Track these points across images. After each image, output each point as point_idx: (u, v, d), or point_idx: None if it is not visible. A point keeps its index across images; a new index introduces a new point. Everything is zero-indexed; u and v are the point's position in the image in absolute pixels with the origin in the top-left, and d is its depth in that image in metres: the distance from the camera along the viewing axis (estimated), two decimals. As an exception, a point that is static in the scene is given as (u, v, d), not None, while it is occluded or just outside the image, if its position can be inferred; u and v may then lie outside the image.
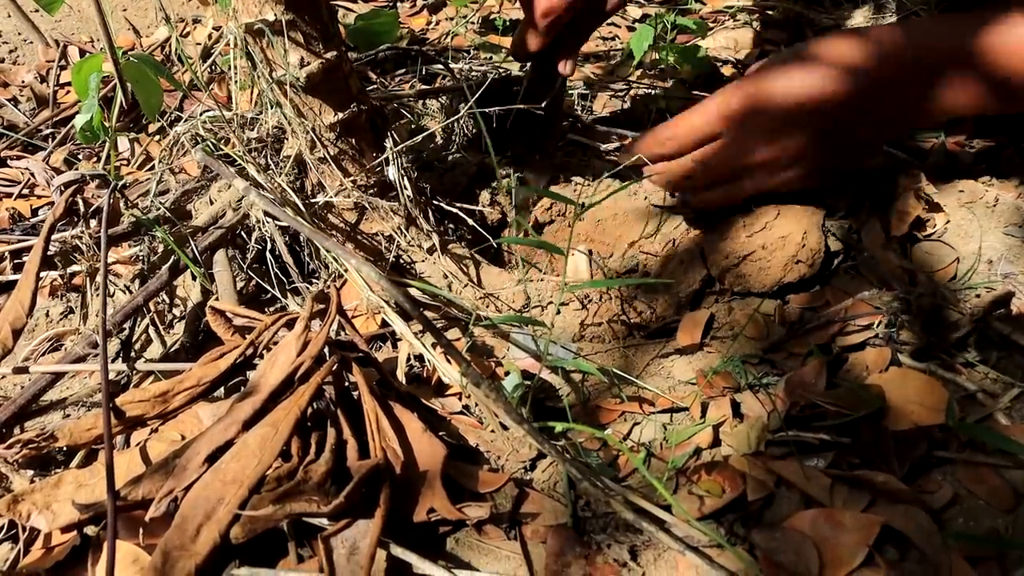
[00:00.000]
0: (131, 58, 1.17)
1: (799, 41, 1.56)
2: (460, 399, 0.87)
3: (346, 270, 0.97)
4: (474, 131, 1.16)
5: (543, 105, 1.06)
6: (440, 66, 1.46)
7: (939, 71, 0.83)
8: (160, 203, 1.06)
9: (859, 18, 1.56)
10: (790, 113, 0.86)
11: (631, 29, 1.73)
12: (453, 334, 0.95)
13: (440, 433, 0.78)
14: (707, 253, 0.96)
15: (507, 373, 0.86)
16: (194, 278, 1.04)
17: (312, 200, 1.00)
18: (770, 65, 0.89)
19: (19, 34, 1.85)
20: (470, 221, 1.01)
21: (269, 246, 1.01)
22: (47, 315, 1.11)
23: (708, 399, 0.82)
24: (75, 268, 1.10)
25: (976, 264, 0.88)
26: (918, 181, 0.96)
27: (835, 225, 0.95)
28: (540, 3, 0.97)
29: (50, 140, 1.52)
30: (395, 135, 1.00)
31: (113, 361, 0.94)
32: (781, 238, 0.91)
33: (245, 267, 1.04)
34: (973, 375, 0.78)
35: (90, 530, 0.74)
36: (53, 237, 1.04)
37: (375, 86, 1.36)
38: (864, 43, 0.85)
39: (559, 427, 0.79)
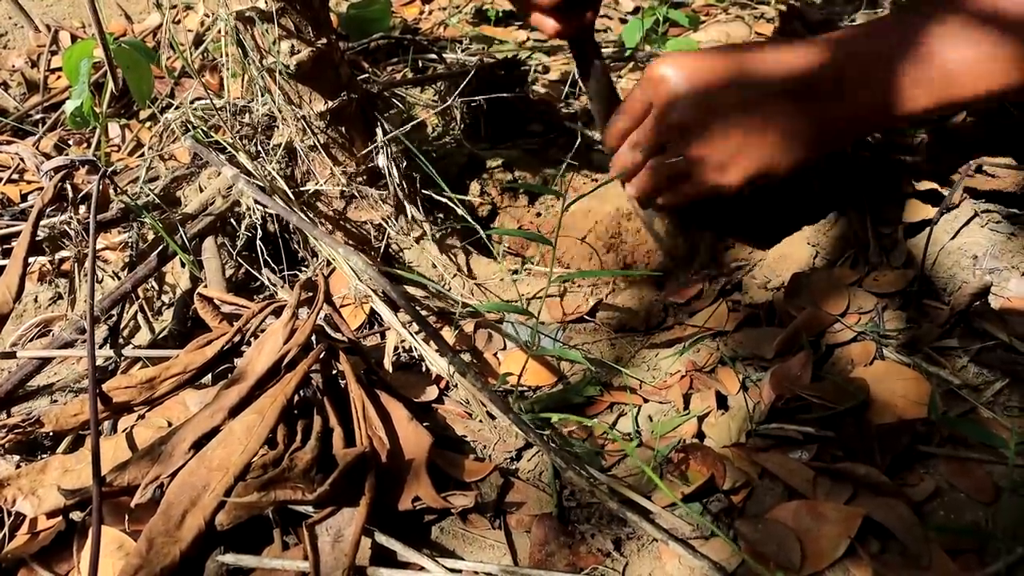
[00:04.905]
0: (122, 44, 1.17)
1: (791, 35, 1.57)
2: (438, 387, 0.87)
3: (335, 258, 0.97)
4: (465, 122, 1.16)
5: (589, 87, 1.02)
6: (433, 56, 1.46)
7: (889, 71, 0.81)
8: (149, 190, 1.06)
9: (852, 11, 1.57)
10: (730, 112, 0.85)
11: (623, 22, 1.73)
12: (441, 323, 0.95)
13: (426, 423, 0.78)
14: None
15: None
16: (183, 265, 1.03)
17: (302, 188, 1.00)
18: (710, 61, 0.87)
19: (10, 18, 1.84)
20: (460, 211, 1.01)
21: (258, 234, 1.01)
22: (36, 301, 1.11)
23: (693, 391, 0.82)
24: (64, 254, 1.10)
25: (960, 258, 0.89)
26: (906, 178, 0.96)
27: (825, 230, 0.96)
28: None
29: (40, 125, 1.51)
30: (386, 124, 1.00)
31: (101, 347, 0.94)
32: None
33: (234, 254, 1.04)
34: (956, 369, 0.79)
35: (75, 516, 0.74)
36: (42, 223, 1.04)
37: (367, 75, 1.35)
38: (815, 43, 0.85)
39: (555, 418, 0.80)
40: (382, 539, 0.68)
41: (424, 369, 0.90)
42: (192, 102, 1.07)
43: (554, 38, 0.99)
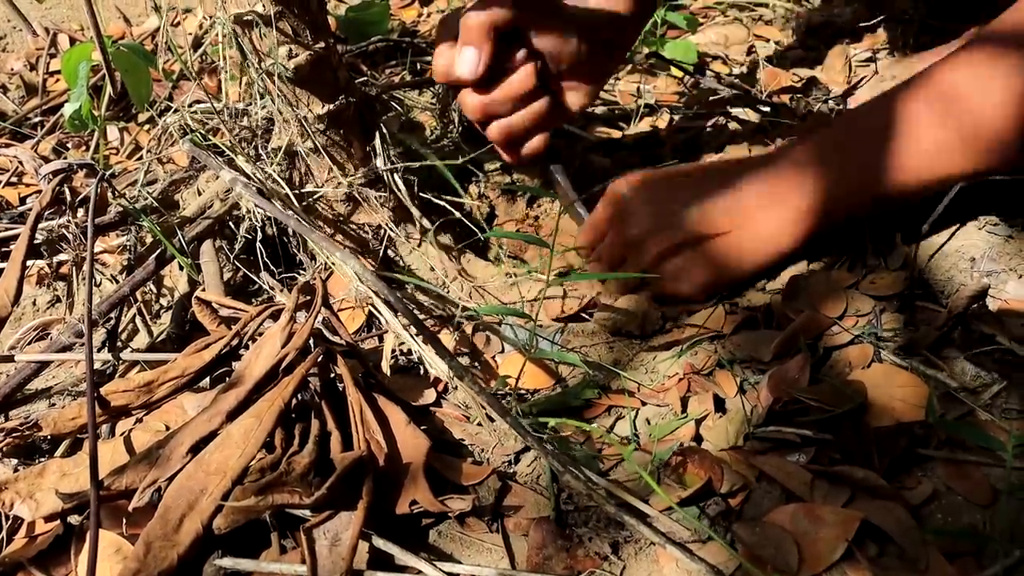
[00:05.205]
0: (121, 47, 1.17)
1: (791, 39, 1.57)
2: (436, 390, 0.87)
3: (333, 262, 0.97)
4: (463, 124, 1.16)
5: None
6: (431, 58, 1.45)
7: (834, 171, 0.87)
8: (148, 193, 1.06)
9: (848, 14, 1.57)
10: (679, 229, 0.91)
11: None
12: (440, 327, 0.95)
13: (424, 426, 0.78)
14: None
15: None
16: (181, 268, 1.03)
17: (300, 191, 1.00)
18: (661, 181, 0.95)
19: (8, 21, 1.84)
20: (458, 214, 1.02)
21: (257, 237, 1.01)
22: (34, 304, 1.11)
23: (691, 393, 0.82)
24: (62, 257, 1.10)
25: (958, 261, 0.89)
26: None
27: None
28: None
29: (39, 128, 1.51)
30: (384, 127, 1.00)
31: (99, 351, 0.94)
32: None
33: (232, 258, 1.04)
34: (954, 371, 0.79)
35: (73, 519, 0.74)
36: (40, 226, 1.04)
37: (365, 78, 1.36)
38: (749, 159, 0.95)
39: (553, 421, 0.80)
40: (379, 543, 0.68)
41: (422, 372, 0.90)
42: (190, 105, 1.08)
43: (513, 163, 1.05)
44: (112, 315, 0.95)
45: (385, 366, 0.90)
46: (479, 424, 0.83)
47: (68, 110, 1.21)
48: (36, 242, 1.04)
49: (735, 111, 1.34)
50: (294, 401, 0.76)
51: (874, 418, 0.75)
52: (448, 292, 1.00)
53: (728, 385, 0.82)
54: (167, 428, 0.81)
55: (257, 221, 1.00)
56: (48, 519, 0.74)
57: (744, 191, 0.90)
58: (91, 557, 0.63)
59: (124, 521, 0.70)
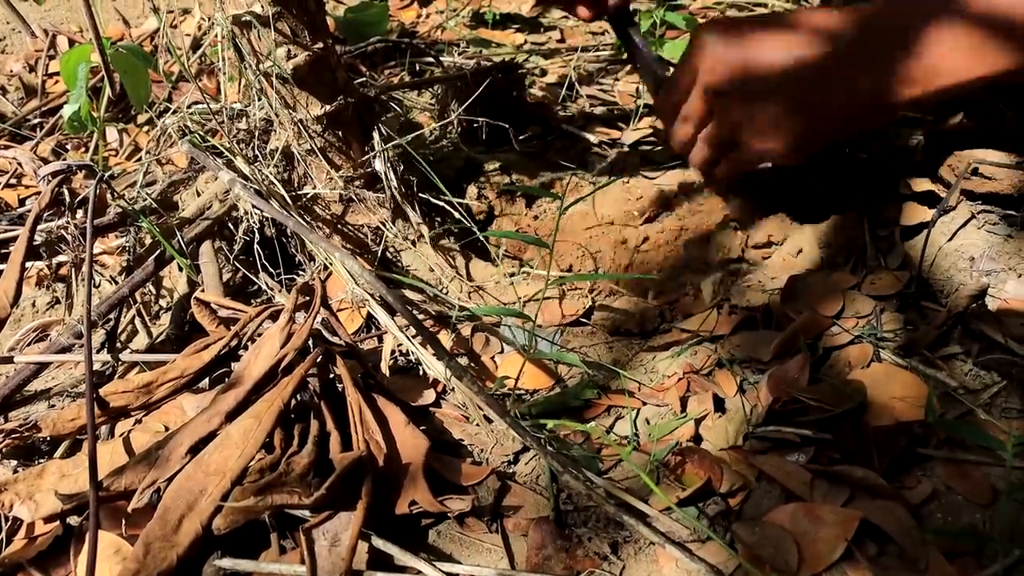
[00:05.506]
0: (120, 49, 1.17)
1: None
2: (436, 391, 0.87)
3: (331, 263, 0.97)
4: (462, 125, 1.16)
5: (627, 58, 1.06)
6: (430, 59, 1.46)
7: (923, 38, 0.79)
8: (147, 194, 1.06)
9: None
10: (769, 80, 0.84)
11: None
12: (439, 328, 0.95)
13: (423, 427, 0.78)
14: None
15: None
16: (180, 269, 1.03)
17: (299, 192, 1.00)
18: (749, 29, 0.87)
19: (7, 23, 1.84)
20: (456, 214, 1.01)
21: (256, 238, 1.01)
22: (33, 305, 1.11)
23: (691, 393, 0.82)
24: (61, 258, 1.10)
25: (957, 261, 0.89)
26: (903, 180, 0.96)
27: (822, 232, 0.96)
28: None
29: (38, 130, 1.51)
30: (383, 128, 1.00)
31: (98, 352, 0.94)
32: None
33: (231, 259, 1.04)
34: (954, 371, 0.79)
35: (73, 520, 0.74)
36: (40, 227, 1.04)
37: (364, 79, 1.36)
38: (845, 13, 0.84)
39: (551, 424, 0.80)
40: (379, 543, 0.68)
41: (421, 373, 0.90)
42: (189, 106, 1.08)
43: (588, 21, 1.04)
44: (111, 316, 0.95)
45: (384, 366, 0.90)
46: (478, 424, 0.82)
47: (67, 111, 1.21)
48: (35, 243, 1.04)
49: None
50: (293, 402, 0.76)
51: (874, 417, 0.75)
52: (447, 293, 1.00)
53: (728, 385, 0.82)
54: (166, 429, 0.81)
55: (256, 222, 1.00)
56: (47, 520, 0.74)
57: (839, 48, 0.83)
58: (90, 558, 0.63)
59: (124, 522, 0.70)
